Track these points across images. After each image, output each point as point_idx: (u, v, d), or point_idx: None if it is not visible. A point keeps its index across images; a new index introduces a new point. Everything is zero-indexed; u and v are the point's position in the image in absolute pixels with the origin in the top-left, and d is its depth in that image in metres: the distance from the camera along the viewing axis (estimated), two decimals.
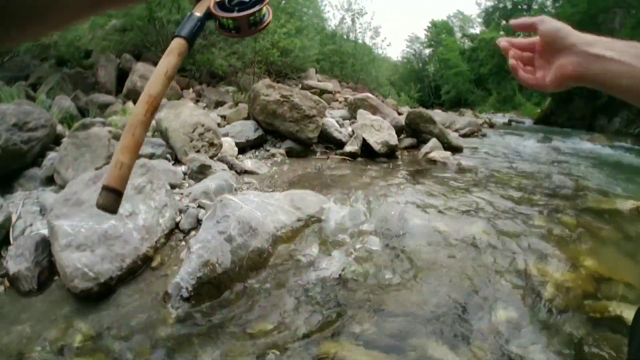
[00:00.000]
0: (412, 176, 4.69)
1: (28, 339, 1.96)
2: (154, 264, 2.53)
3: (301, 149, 5.58)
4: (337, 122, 6.64)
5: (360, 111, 6.83)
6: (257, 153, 5.32)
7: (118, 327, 2.03)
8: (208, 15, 0.83)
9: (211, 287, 2.20)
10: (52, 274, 2.42)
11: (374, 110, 7.20)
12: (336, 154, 5.76)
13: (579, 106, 17.64)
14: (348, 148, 5.74)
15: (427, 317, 2.05)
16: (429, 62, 44.54)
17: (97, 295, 2.22)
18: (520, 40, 0.90)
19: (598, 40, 0.73)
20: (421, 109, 7.66)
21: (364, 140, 5.84)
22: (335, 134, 5.98)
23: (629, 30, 13.06)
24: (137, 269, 2.44)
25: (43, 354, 1.88)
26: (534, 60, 0.88)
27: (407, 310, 2.10)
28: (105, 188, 0.62)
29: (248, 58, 8.90)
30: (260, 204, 2.73)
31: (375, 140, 5.78)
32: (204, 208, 3.06)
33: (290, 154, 5.42)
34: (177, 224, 2.91)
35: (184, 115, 4.30)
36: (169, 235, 2.78)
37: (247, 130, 5.48)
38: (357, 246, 2.71)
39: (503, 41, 0.91)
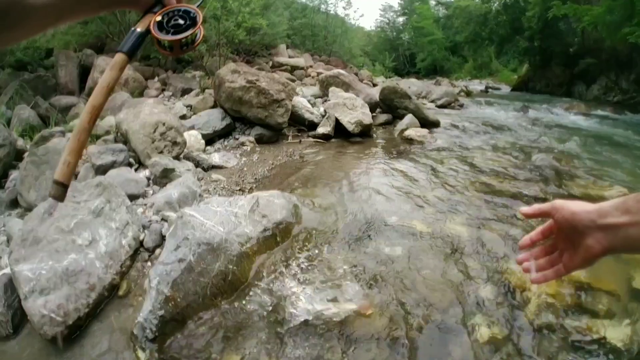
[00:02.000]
0: (387, 160, 4.49)
1: None
2: (121, 291, 2.40)
3: (272, 135, 5.35)
4: (309, 101, 6.44)
5: (332, 89, 6.64)
6: (225, 143, 5.09)
7: None
8: (148, 32, 0.90)
9: (175, 324, 2.06)
10: (26, 315, 2.27)
11: (347, 87, 7.01)
12: (309, 136, 5.56)
13: (556, 72, 17.56)
14: (321, 129, 5.55)
15: (406, 339, 1.93)
16: (403, 30, 43.99)
17: (69, 336, 2.13)
18: (537, 233, 0.93)
19: (612, 207, 0.75)
20: (395, 84, 7.48)
21: (337, 120, 5.65)
22: (307, 115, 5.78)
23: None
24: (104, 300, 2.33)
25: None
26: (556, 244, 0.90)
27: (383, 333, 1.97)
28: (55, 182, 0.75)
29: (213, 40, 8.54)
30: (223, 215, 2.55)
31: (349, 120, 5.60)
32: (167, 221, 2.88)
33: (260, 140, 5.20)
34: (141, 242, 2.73)
35: (143, 114, 4.03)
36: (133, 256, 2.62)
37: (214, 119, 5.23)
38: (326, 256, 2.54)
39: (525, 240, 0.94)
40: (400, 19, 44.84)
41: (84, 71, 7.72)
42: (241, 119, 5.42)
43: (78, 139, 0.79)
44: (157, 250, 2.67)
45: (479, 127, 6.92)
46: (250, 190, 3.53)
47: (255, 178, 3.87)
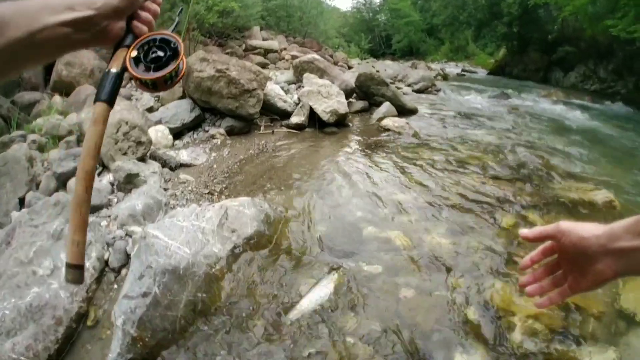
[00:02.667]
0: (364, 155, 4.30)
1: None
2: (89, 321, 2.21)
3: (243, 126, 5.10)
4: (283, 87, 6.21)
5: (307, 75, 6.40)
6: (195, 136, 4.84)
7: None
8: (124, 69, 0.80)
9: None
10: None
11: (322, 73, 6.78)
12: (282, 126, 5.35)
13: (534, 58, 17.53)
14: (294, 119, 5.35)
15: None
16: (380, 11, 43.56)
17: None
18: (538, 253, 0.88)
19: (623, 230, 0.71)
20: (372, 70, 7.26)
21: (311, 109, 5.44)
22: (280, 104, 5.56)
23: None
24: (73, 332, 2.14)
25: None
26: (559, 264, 0.86)
27: None
28: (69, 265, 0.70)
29: (183, 25, 8.15)
30: (189, 232, 2.35)
31: (324, 109, 5.40)
32: (131, 237, 2.66)
33: (231, 132, 4.96)
34: (106, 262, 2.53)
35: None
36: (99, 278, 2.42)
37: (182, 112, 4.94)
38: (301, 275, 2.36)
39: (526, 262, 0.90)
40: (377, 0, 44.41)
41: (50, 63, 7.28)
42: (211, 109, 5.16)
43: (79, 213, 0.72)
44: (123, 271, 2.47)
45: (458, 116, 6.78)
46: (220, 193, 3.32)
47: (225, 177, 3.65)
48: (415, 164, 4.04)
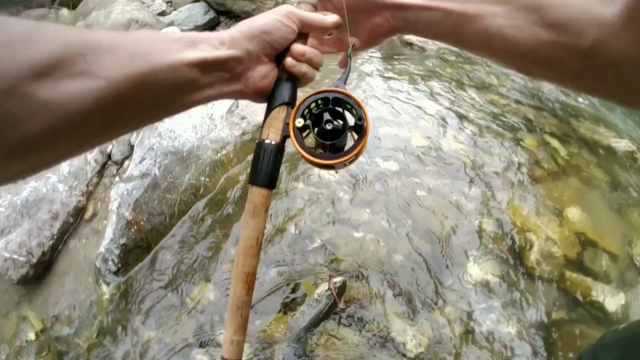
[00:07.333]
0: (385, 65, 4.03)
1: None
2: (87, 214, 2.15)
3: None
4: None
5: None
6: None
7: (63, 312, 1.86)
8: (285, 139, 0.67)
9: (139, 251, 1.87)
10: None
11: None
12: None
13: None
14: None
15: (392, 273, 1.81)
16: None
17: (36, 276, 1.99)
18: None
19: None
20: None
21: None
22: None
23: None
24: (70, 227, 2.11)
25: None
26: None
27: (374, 266, 1.84)
28: None
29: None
30: (197, 118, 2.28)
31: None
32: None
33: None
34: (109, 155, 2.45)
35: (115, 14, 3.63)
36: (101, 171, 2.35)
37: (196, 14, 4.80)
38: (307, 167, 2.27)
39: None
40: None
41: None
42: (226, 12, 4.98)
43: (240, 315, 0.68)
44: (126, 163, 2.38)
45: None
46: None
47: None
48: (437, 79, 3.83)
